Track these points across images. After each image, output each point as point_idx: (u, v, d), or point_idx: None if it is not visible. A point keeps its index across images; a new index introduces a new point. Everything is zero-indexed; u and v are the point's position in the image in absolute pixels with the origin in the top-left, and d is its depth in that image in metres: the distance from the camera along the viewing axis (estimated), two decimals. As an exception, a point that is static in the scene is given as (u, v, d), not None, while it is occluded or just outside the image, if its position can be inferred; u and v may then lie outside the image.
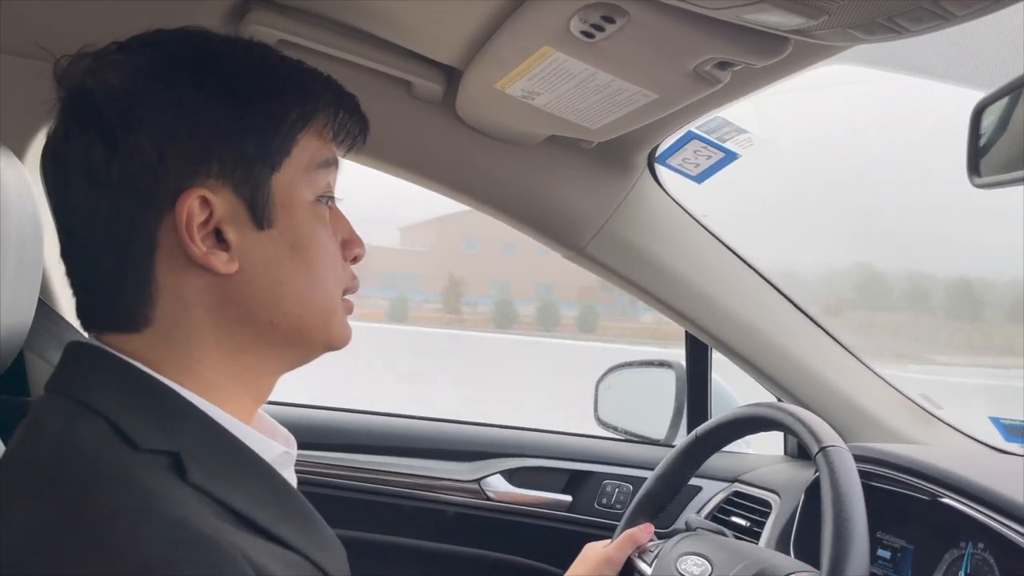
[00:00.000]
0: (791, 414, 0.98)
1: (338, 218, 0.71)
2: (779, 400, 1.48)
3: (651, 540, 1.09)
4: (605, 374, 1.76)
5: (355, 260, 0.73)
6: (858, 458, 1.14)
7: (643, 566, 1.06)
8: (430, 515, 1.47)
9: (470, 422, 1.59)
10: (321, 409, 1.57)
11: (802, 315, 1.43)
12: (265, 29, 1.03)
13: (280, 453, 0.68)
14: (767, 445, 1.60)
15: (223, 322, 0.65)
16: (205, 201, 0.62)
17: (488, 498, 1.48)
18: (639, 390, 1.77)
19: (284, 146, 0.65)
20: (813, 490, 1.23)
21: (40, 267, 0.81)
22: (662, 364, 1.68)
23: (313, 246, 0.67)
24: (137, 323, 0.63)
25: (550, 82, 0.95)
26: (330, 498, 1.44)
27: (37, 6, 1.04)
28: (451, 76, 1.10)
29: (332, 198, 0.70)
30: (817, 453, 0.92)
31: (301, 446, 1.43)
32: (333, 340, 0.71)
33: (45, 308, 1.24)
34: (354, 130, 0.71)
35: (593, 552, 1.08)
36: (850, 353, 1.45)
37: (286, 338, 0.67)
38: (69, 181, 0.63)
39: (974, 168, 0.75)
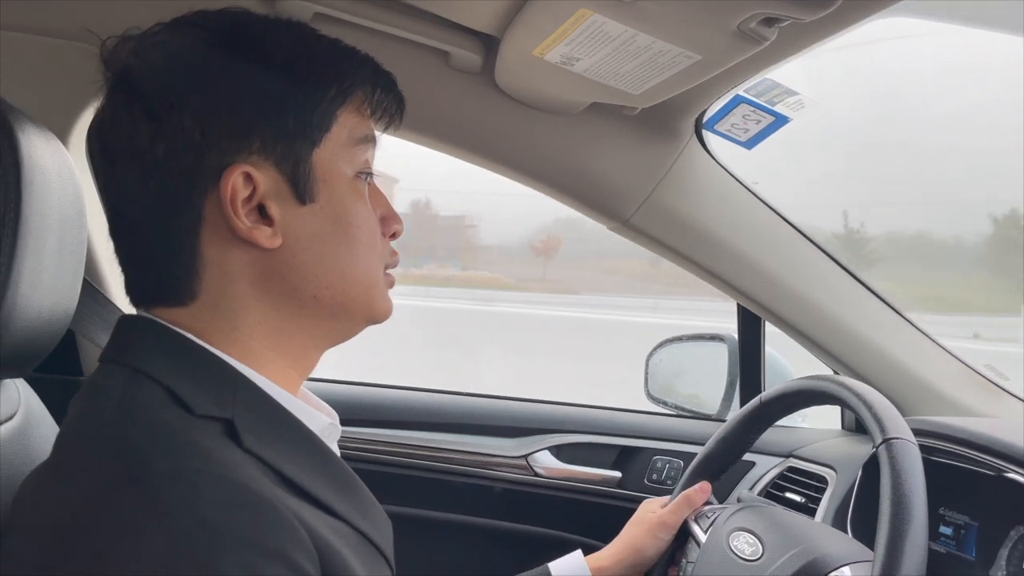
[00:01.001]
0: (857, 394, 0.94)
1: (376, 195, 0.73)
2: (835, 373, 1.44)
3: (708, 504, 1.07)
4: (655, 349, 1.73)
5: (394, 236, 0.74)
6: (919, 432, 1.09)
7: (698, 531, 1.03)
8: (478, 491, 1.47)
9: (516, 398, 1.58)
10: (369, 386, 1.58)
11: (859, 285, 1.37)
12: (301, 3, 1.01)
13: (326, 424, 0.70)
14: (823, 419, 1.56)
15: (268, 296, 0.67)
16: (248, 177, 0.64)
17: (536, 474, 1.47)
18: (690, 364, 1.74)
19: (323, 122, 0.67)
20: (872, 466, 1.19)
21: (83, 248, 0.81)
22: (713, 338, 1.64)
23: (354, 220, 0.68)
24: (184, 297, 0.65)
25: (589, 46, 0.92)
26: (378, 474, 1.44)
27: None
28: (489, 45, 1.08)
29: (371, 174, 0.71)
30: (881, 444, 0.86)
31: (349, 423, 1.46)
32: (375, 313, 0.72)
33: (92, 289, 1.26)
34: (391, 108, 0.73)
35: (648, 513, 1.07)
36: (910, 324, 1.39)
37: (329, 311, 0.69)
38: (116, 161, 0.65)
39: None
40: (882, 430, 0.87)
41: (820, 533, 1.00)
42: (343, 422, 1.43)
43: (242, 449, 0.60)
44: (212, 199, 0.63)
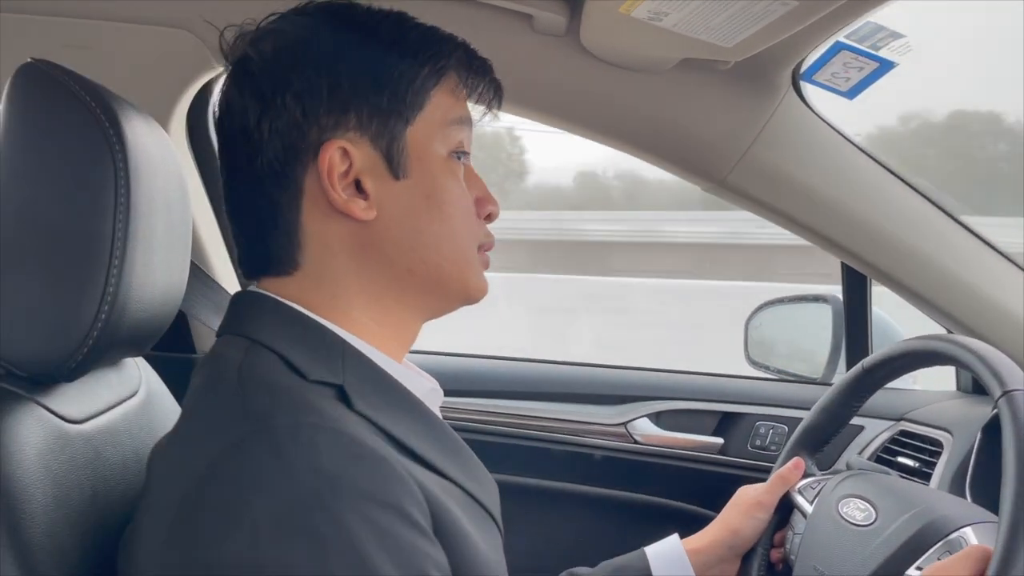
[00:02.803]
0: (970, 349, 0.88)
1: (472, 176, 0.75)
2: (949, 333, 1.37)
3: (809, 476, 1.04)
4: (755, 312, 1.68)
5: (489, 218, 0.76)
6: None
7: (803, 503, 1.00)
8: (578, 459, 1.47)
9: (614, 366, 1.57)
10: (468, 357, 1.60)
11: (976, 239, 1.30)
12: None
13: (429, 389, 0.73)
14: (937, 380, 1.49)
15: (365, 267, 0.70)
16: (345, 153, 0.67)
17: (636, 441, 1.46)
18: (792, 327, 1.68)
19: (417, 100, 0.69)
20: (992, 428, 1.12)
21: (189, 229, 0.84)
22: (817, 299, 1.58)
23: (447, 198, 0.71)
24: (288, 267, 0.70)
25: (678, 0, 0.89)
26: (478, 443, 1.44)
27: None
28: (573, 5, 1.05)
29: (466, 154, 0.74)
30: (1000, 397, 0.81)
31: (450, 393, 1.48)
32: (470, 291, 0.74)
33: (198, 271, 1.31)
34: (488, 92, 0.76)
35: (745, 495, 1.05)
36: None
37: (424, 285, 0.71)
38: (231, 143, 0.70)
39: None
40: (1000, 383, 0.82)
41: (936, 496, 0.96)
42: (446, 393, 1.47)
43: (354, 412, 0.63)
44: (312, 173, 0.67)
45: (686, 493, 1.44)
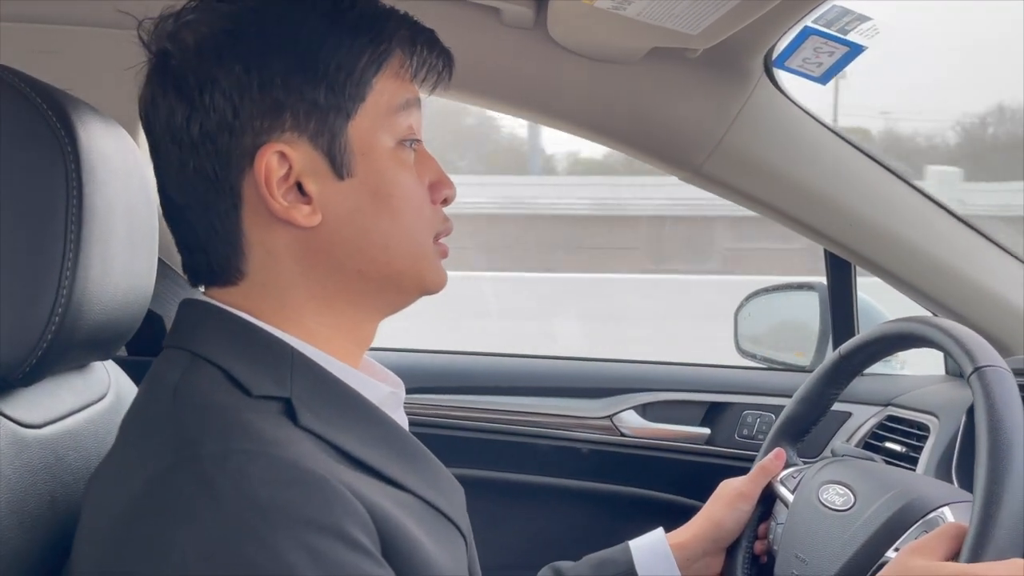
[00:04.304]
0: (942, 329, 0.88)
1: (425, 160, 0.70)
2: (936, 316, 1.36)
3: (791, 466, 1.03)
4: (744, 302, 1.68)
5: (445, 202, 0.72)
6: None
7: (785, 492, 1.00)
8: (564, 453, 1.46)
9: (599, 358, 1.56)
10: (452, 353, 1.59)
11: (957, 221, 1.29)
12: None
13: (387, 394, 0.69)
14: (925, 365, 1.48)
15: (313, 273, 0.66)
16: (283, 156, 0.63)
17: (622, 434, 1.45)
18: (780, 316, 1.68)
19: (358, 92, 0.64)
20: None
21: (154, 232, 0.84)
22: (802, 287, 1.57)
23: (396, 192, 0.66)
24: (233, 277, 0.66)
25: (639, -13, 0.89)
26: (465, 440, 1.46)
27: None
28: (539, -3, 1.05)
29: (417, 140, 0.69)
30: (971, 374, 0.80)
31: (435, 390, 1.48)
32: (426, 284, 0.70)
33: (172, 273, 1.31)
34: (437, 65, 0.69)
35: (727, 487, 1.03)
36: (1018, 260, 1.30)
37: (377, 285, 0.68)
38: (158, 144, 0.66)
39: None
40: (971, 359, 0.81)
41: (915, 478, 0.95)
42: (429, 390, 1.47)
43: (299, 427, 0.60)
44: (249, 180, 0.63)
45: (673, 485, 1.44)
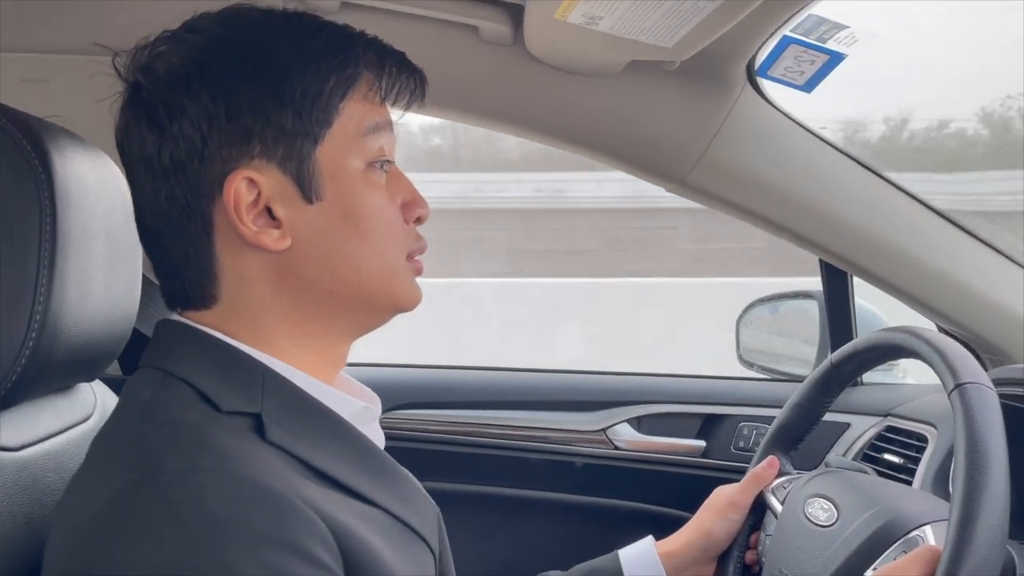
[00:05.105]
0: (928, 341, 0.86)
1: (397, 180, 0.71)
2: (939, 327, 1.34)
3: (784, 475, 1.02)
4: (745, 311, 1.67)
5: (419, 221, 0.72)
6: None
7: (775, 503, 0.99)
8: (558, 467, 1.46)
9: (593, 371, 1.56)
10: (446, 368, 1.59)
11: (952, 226, 1.27)
12: (327, -6, 1.02)
13: (359, 409, 0.70)
14: (930, 374, 1.46)
15: (285, 296, 0.67)
16: (252, 182, 0.64)
17: (616, 447, 1.44)
18: (781, 325, 1.66)
19: (325, 117, 0.65)
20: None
21: (137, 254, 0.84)
22: (797, 295, 1.56)
23: (366, 214, 0.67)
24: (207, 301, 0.67)
25: (608, 2, 0.88)
26: (459, 455, 1.46)
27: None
28: (516, 14, 1.05)
29: (388, 162, 0.69)
30: (952, 391, 0.79)
31: (427, 405, 1.48)
32: (400, 303, 0.71)
33: (156, 291, 1.32)
34: (408, 85, 0.70)
35: (719, 496, 1.03)
36: (1018, 265, 1.28)
37: (349, 305, 0.68)
38: (133, 173, 0.67)
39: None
40: (954, 376, 0.80)
41: (900, 494, 0.94)
42: (423, 405, 1.47)
43: (267, 443, 0.61)
44: (219, 206, 0.64)
45: (669, 498, 1.43)
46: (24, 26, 1.07)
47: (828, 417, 1.37)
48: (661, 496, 1.44)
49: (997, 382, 1.09)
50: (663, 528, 1.11)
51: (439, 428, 1.48)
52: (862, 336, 1.00)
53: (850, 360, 1.01)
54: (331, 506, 0.60)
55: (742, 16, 0.89)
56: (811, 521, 0.92)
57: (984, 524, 0.71)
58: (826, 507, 0.93)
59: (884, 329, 0.98)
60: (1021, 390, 1.04)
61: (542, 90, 1.14)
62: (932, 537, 0.82)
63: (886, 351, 0.97)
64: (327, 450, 0.64)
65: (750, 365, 1.61)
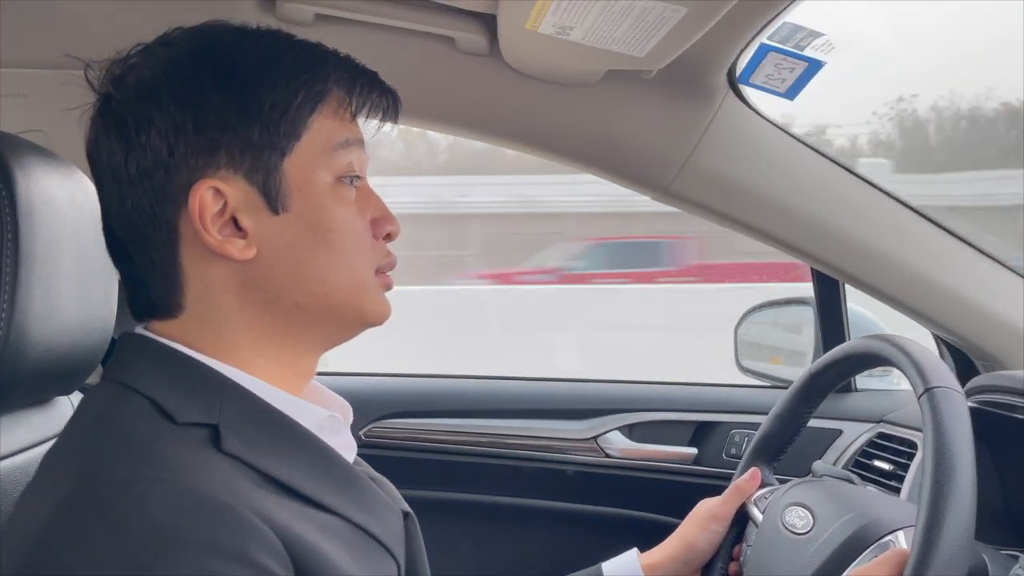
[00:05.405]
0: (899, 347, 0.86)
1: (368, 197, 0.72)
2: (935, 335, 1.33)
3: (767, 486, 1.02)
4: (742, 319, 1.66)
5: (388, 238, 0.73)
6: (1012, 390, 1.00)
7: (756, 513, 0.99)
8: (549, 475, 1.46)
9: (584, 379, 1.56)
10: (437, 377, 1.60)
11: (944, 232, 1.26)
12: (300, 6, 1.03)
13: (324, 418, 0.70)
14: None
15: (251, 306, 0.67)
16: (218, 191, 0.65)
17: (607, 455, 1.44)
18: (778, 332, 1.66)
19: (293, 130, 0.66)
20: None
21: (111, 266, 0.85)
22: (789, 302, 1.56)
23: (333, 227, 0.68)
24: (172, 310, 0.67)
25: (576, 12, 0.88)
26: (450, 463, 1.46)
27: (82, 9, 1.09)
28: (491, 25, 1.05)
29: (358, 177, 0.70)
30: (921, 395, 0.79)
31: (418, 414, 1.48)
32: (367, 317, 0.71)
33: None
34: (381, 103, 0.71)
35: (702, 509, 1.03)
36: (1010, 270, 1.27)
37: (316, 317, 0.69)
38: (102, 183, 0.68)
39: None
40: (923, 380, 0.79)
41: (876, 501, 0.93)
42: (414, 414, 1.47)
43: (222, 453, 0.61)
44: (185, 215, 0.65)
45: (660, 505, 1.43)
46: (1, 42, 1.09)
47: (819, 424, 1.38)
48: (653, 503, 1.43)
49: (984, 389, 1.09)
50: (655, 536, 1.11)
51: (430, 437, 1.48)
52: (839, 345, 1.00)
53: (828, 370, 1.01)
54: (285, 515, 0.60)
55: (710, 25, 0.89)
56: (788, 529, 0.92)
57: (950, 527, 0.71)
58: (803, 515, 0.92)
59: (861, 337, 0.98)
60: (1008, 397, 1.03)
61: (521, 100, 1.14)
62: (904, 542, 0.82)
63: (861, 359, 0.97)
64: (286, 459, 0.64)
65: (749, 372, 1.60)
